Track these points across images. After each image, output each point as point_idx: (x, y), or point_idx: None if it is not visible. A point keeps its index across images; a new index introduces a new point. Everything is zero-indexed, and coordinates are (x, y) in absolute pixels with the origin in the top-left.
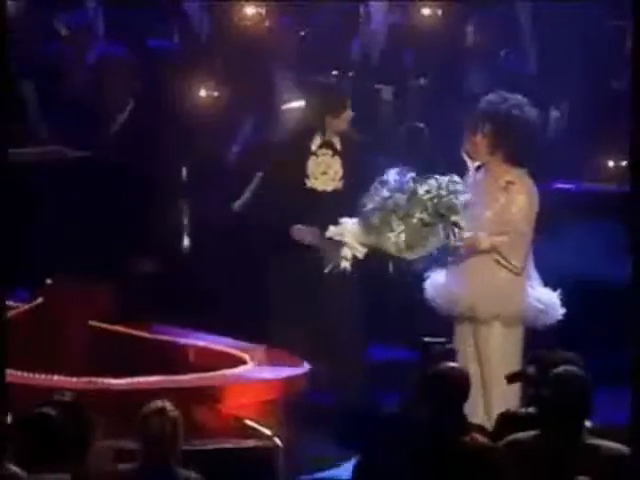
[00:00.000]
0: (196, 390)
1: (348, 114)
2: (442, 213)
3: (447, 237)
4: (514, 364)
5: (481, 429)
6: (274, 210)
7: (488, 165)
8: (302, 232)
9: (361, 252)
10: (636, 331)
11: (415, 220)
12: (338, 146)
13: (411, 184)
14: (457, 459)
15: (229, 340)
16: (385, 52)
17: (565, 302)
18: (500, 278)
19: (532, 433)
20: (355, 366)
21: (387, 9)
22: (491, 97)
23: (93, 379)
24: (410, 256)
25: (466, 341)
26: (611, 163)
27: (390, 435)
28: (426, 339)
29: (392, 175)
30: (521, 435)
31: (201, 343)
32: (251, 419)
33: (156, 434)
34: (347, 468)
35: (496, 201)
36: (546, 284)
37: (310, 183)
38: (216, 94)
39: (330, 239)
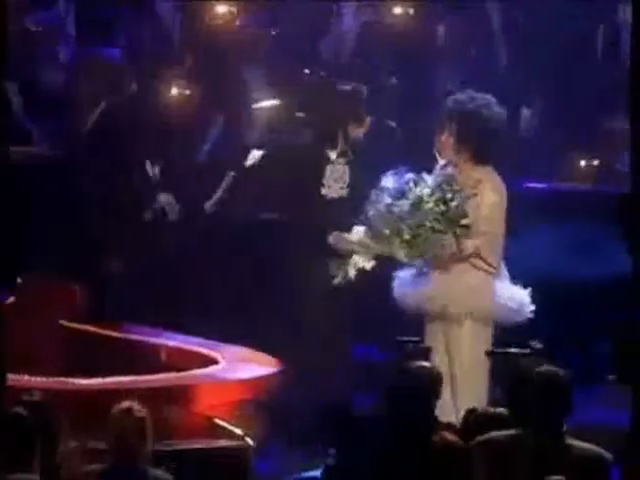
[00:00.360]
0: (167, 390)
1: (368, 121)
2: (453, 219)
3: (457, 240)
4: (484, 362)
5: (450, 427)
6: (282, 213)
7: (456, 163)
8: (339, 238)
9: (369, 263)
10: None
11: (426, 228)
12: (350, 154)
13: (412, 185)
14: (427, 458)
15: (200, 340)
16: (357, 51)
17: (535, 301)
18: (471, 276)
19: (508, 432)
20: (339, 366)
21: (359, 8)
22: (458, 96)
23: (64, 379)
24: (420, 262)
25: (437, 339)
26: (582, 162)
27: (362, 435)
28: (399, 338)
29: (390, 180)
30: (497, 434)
31: (172, 343)
32: (223, 419)
33: (123, 434)
34: (322, 469)
35: (467, 200)
36: (516, 282)
37: (324, 190)
38: (188, 92)
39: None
